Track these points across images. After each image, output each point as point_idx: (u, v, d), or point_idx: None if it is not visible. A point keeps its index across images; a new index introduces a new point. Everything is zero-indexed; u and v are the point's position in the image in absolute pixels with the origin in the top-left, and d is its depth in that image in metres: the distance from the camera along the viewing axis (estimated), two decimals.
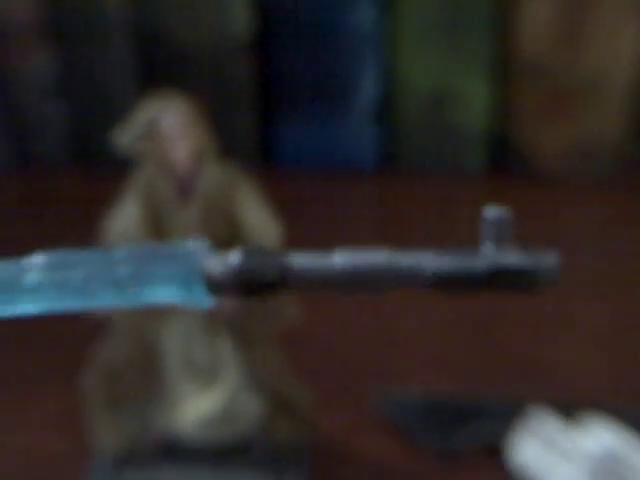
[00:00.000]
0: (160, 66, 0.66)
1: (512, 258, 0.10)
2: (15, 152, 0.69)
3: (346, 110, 0.68)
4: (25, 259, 0.11)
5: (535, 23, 0.64)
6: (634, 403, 0.47)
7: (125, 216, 0.40)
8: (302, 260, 0.11)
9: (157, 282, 0.11)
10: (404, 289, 0.11)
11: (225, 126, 0.65)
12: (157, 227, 0.40)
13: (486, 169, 0.69)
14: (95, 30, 0.65)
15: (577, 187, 0.67)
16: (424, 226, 0.64)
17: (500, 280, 0.11)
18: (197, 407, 0.41)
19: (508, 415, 0.46)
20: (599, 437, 0.43)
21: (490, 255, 0.10)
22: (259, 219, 0.40)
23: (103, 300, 0.11)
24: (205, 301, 0.11)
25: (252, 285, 0.11)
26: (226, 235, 0.40)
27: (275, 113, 0.69)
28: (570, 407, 0.46)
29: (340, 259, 0.11)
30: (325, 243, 0.62)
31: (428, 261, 0.11)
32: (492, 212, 0.10)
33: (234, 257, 0.10)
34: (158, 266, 0.11)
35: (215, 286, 0.11)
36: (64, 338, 0.52)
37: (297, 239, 0.44)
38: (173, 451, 0.43)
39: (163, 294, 0.11)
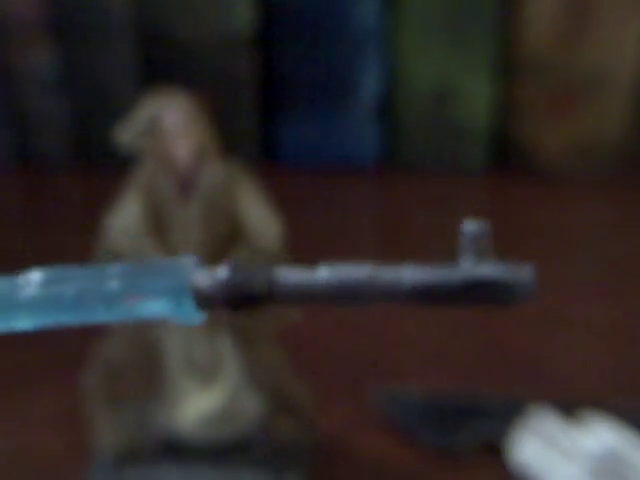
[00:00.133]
0: (162, 63, 0.66)
1: (488, 271, 0.11)
2: (16, 149, 0.69)
3: (348, 107, 0.68)
4: (21, 275, 0.11)
5: (538, 20, 0.64)
6: (635, 402, 0.47)
7: (126, 213, 0.40)
8: (288, 274, 0.11)
9: (147, 297, 0.12)
10: (386, 303, 0.12)
11: (227, 123, 0.65)
12: (158, 224, 0.40)
13: (488, 167, 0.69)
14: (97, 27, 0.65)
15: (580, 185, 0.67)
16: (425, 224, 0.64)
17: (476, 293, 0.11)
18: (197, 406, 0.41)
19: (508, 414, 0.46)
20: (600, 436, 0.43)
21: (468, 268, 0.11)
22: (260, 217, 0.40)
23: (96, 315, 0.12)
24: (194, 315, 0.12)
25: (240, 299, 0.11)
26: (227, 232, 0.40)
27: (277, 110, 0.69)
28: (571, 406, 0.46)
29: (324, 274, 0.11)
30: (326, 240, 0.62)
31: (408, 275, 0.11)
32: (470, 226, 0.11)
33: (222, 272, 0.11)
34: (148, 281, 0.11)
35: (204, 300, 0.11)
36: (64, 336, 0.52)
37: (298, 236, 0.44)
38: (173, 449, 0.43)
39: (153, 309, 0.12)
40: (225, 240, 0.40)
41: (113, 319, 0.12)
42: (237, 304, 0.11)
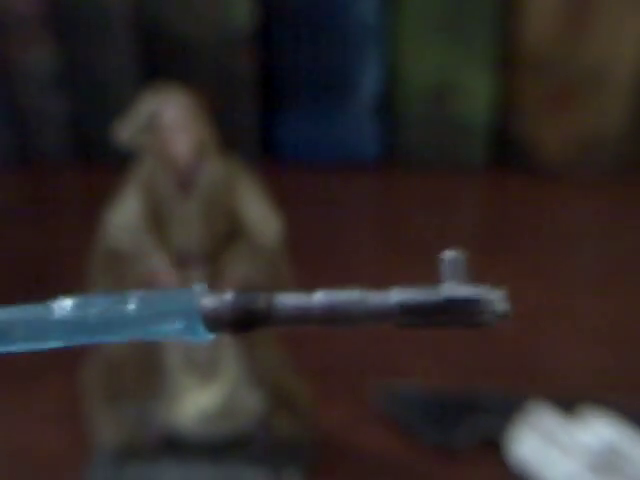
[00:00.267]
0: (161, 59, 0.66)
1: (467, 291, 0.13)
2: (15, 146, 0.69)
3: (347, 104, 0.68)
4: (55, 301, 0.14)
5: (538, 17, 0.64)
6: (633, 398, 0.47)
7: (125, 210, 0.40)
8: (286, 299, 0.13)
9: (161, 320, 0.13)
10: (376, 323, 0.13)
11: (226, 120, 0.65)
12: (158, 221, 0.40)
13: (487, 163, 0.69)
14: (96, 24, 0.65)
15: (579, 181, 0.67)
16: (425, 220, 0.64)
17: (456, 311, 0.13)
18: (197, 402, 0.42)
19: (507, 410, 0.46)
20: (598, 431, 0.43)
21: (449, 289, 0.13)
22: (260, 213, 0.40)
23: (116, 336, 0.13)
24: (204, 336, 0.13)
25: (242, 322, 0.13)
26: (227, 229, 0.40)
27: (276, 107, 0.69)
28: (569, 402, 0.46)
29: (319, 298, 0.13)
30: (326, 237, 0.62)
31: (394, 295, 0.13)
32: (449, 254, 0.13)
33: (227, 297, 0.13)
34: (162, 306, 0.13)
35: (212, 323, 0.13)
36: None
37: (298, 233, 0.44)
38: (173, 446, 0.43)
39: (167, 331, 0.13)
40: (225, 237, 0.40)
41: (130, 339, 0.13)
42: (240, 326, 0.13)
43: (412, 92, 0.67)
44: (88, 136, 0.69)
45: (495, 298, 0.13)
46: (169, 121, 0.38)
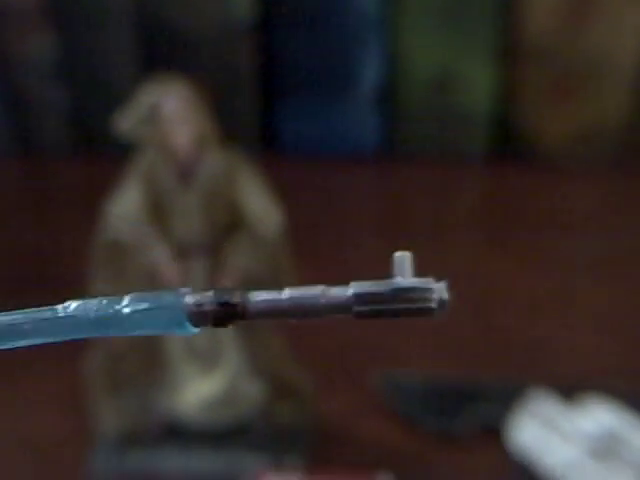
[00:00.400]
0: (161, 50, 0.66)
1: (412, 282, 0.15)
2: (15, 136, 0.70)
3: (348, 95, 0.68)
4: (62, 305, 0.16)
5: (540, 6, 0.64)
6: (633, 384, 0.47)
7: (126, 201, 0.40)
8: (258, 296, 0.15)
9: (150, 317, 0.15)
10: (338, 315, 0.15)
11: (226, 111, 0.65)
12: (158, 212, 0.40)
13: (489, 153, 0.69)
14: (96, 14, 0.65)
15: (581, 171, 0.67)
16: (426, 211, 0.64)
17: (402, 299, 0.15)
18: (198, 390, 0.42)
19: (507, 397, 0.46)
20: (598, 418, 0.43)
21: (396, 282, 0.15)
22: (260, 205, 0.40)
23: (111, 332, 0.16)
24: (189, 331, 0.16)
25: (222, 317, 0.15)
26: (227, 221, 0.40)
27: (277, 99, 0.69)
28: (569, 388, 0.46)
29: (286, 294, 0.15)
30: (326, 229, 0.62)
31: (350, 288, 0.15)
32: (398, 254, 0.16)
33: (208, 295, 0.15)
34: (150, 305, 0.15)
35: (195, 318, 0.15)
36: None
37: (298, 225, 0.44)
38: (175, 433, 0.43)
39: (155, 327, 0.16)
40: (225, 228, 0.40)
41: (124, 335, 0.16)
42: (220, 321, 0.15)
43: (413, 83, 0.67)
44: (88, 127, 0.69)
45: (438, 287, 0.15)
46: (170, 113, 0.38)
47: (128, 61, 0.66)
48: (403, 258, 0.15)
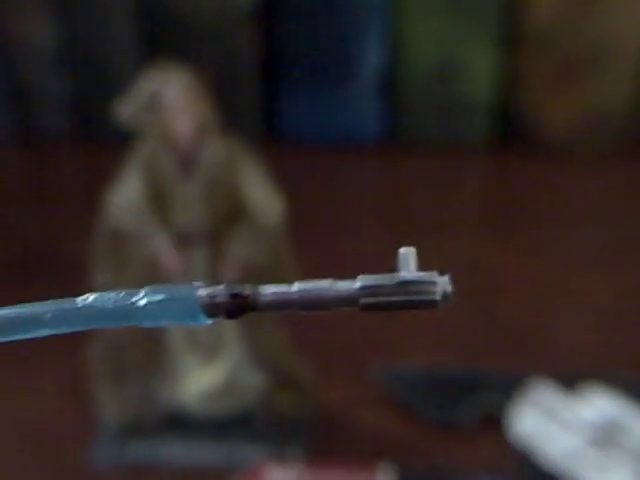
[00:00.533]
0: (163, 38, 0.66)
1: (416, 275, 0.16)
2: (16, 124, 0.69)
3: (350, 83, 0.68)
4: (81, 296, 0.16)
5: None
6: (634, 373, 0.47)
7: (127, 190, 0.40)
8: (268, 289, 0.16)
9: (165, 309, 0.16)
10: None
11: (228, 99, 0.65)
12: (159, 201, 0.40)
13: (492, 141, 0.68)
14: (97, 0, 0.65)
15: (583, 159, 0.67)
16: (428, 200, 0.64)
17: (407, 292, 0.16)
18: (200, 381, 0.42)
19: (508, 386, 0.46)
20: (598, 406, 0.43)
21: (401, 275, 0.16)
22: (261, 193, 0.40)
23: (125, 323, 0.16)
24: (203, 322, 0.16)
25: (233, 309, 0.16)
26: (228, 209, 0.40)
27: (278, 86, 0.68)
28: (570, 378, 0.46)
29: (295, 287, 0.16)
30: (328, 217, 0.62)
31: (357, 282, 0.16)
32: (403, 250, 0.16)
33: (220, 288, 0.16)
34: (166, 297, 0.16)
35: (209, 310, 0.16)
36: None
37: (300, 213, 0.44)
38: (176, 424, 0.43)
39: (172, 319, 0.16)
40: (226, 217, 0.40)
41: (140, 325, 0.16)
42: (232, 312, 0.16)
43: (415, 71, 0.67)
44: (89, 114, 0.68)
45: (441, 281, 0.16)
46: (171, 101, 0.38)
47: (129, 48, 0.66)
48: (407, 254, 0.16)
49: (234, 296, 0.16)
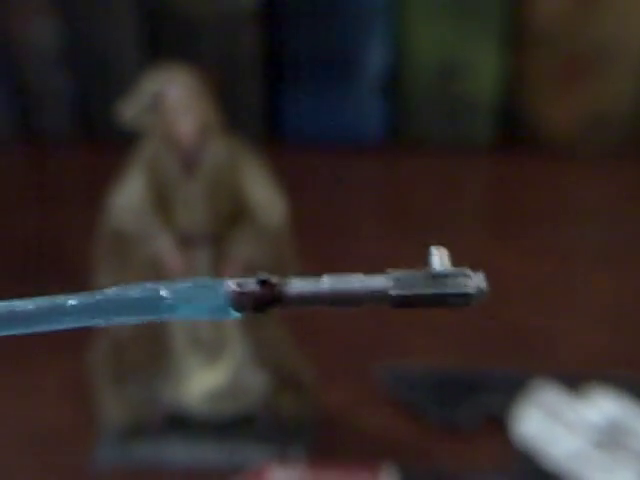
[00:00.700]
0: (165, 38, 0.66)
1: (451, 270, 0.15)
2: (18, 124, 0.69)
3: (353, 82, 0.68)
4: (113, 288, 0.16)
5: None
6: (638, 374, 0.47)
7: (129, 190, 0.40)
8: (297, 284, 0.15)
9: (190, 302, 0.16)
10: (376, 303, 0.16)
11: (230, 99, 0.65)
12: (162, 201, 0.40)
13: (496, 141, 0.68)
14: (100, 1, 0.65)
15: (588, 159, 0.67)
16: (432, 200, 0.64)
17: (441, 287, 0.15)
18: (202, 381, 0.42)
19: (511, 387, 0.46)
20: (603, 408, 0.43)
21: (435, 270, 0.15)
22: (264, 194, 0.40)
23: (148, 318, 0.16)
24: (232, 316, 0.16)
25: (261, 304, 0.15)
26: (231, 210, 0.40)
27: (281, 86, 0.68)
28: (574, 378, 0.46)
29: (325, 282, 0.15)
30: (330, 218, 0.62)
31: (389, 277, 0.15)
32: (435, 248, 0.16)
33: (249, 282, 0.16)
34: (193, 292, 0.16)
35: (237, 304, 0.16)
36: None
37: (302, 214, 0.44)
38: (179, 425, 0.43)
39: (196, 312, 0.16)
40: (229, 218, 0.40)
41: (165, 319, 0.16)
42: (259, 307, 0.15)
43: (418, 71, 0.67)
44: (91, 114, 0.68)
45: (476, 276, 0.15)
46: (173, 101, 0.38)
47: (131, 48, 0.66)
48: (440, 251, 0.16)
49: (262, 283, 0.15)
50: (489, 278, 0.15)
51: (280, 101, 0.69)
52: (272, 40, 0.67)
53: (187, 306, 0.15)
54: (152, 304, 0.16)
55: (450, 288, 0.15)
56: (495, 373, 0.47)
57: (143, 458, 0.43)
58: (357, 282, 0.15)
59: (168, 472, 0.43)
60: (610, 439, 0.42)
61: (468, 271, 0.15)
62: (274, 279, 0.15)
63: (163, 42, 0.66)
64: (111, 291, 0.16)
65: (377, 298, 0.15)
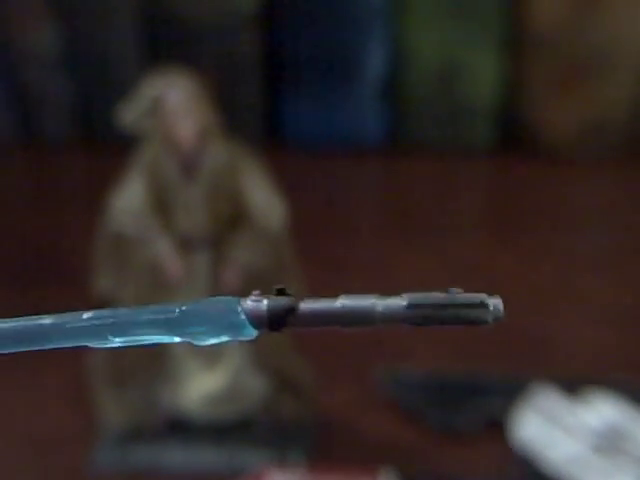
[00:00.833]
0: (165, 42, 0.66)
1: (469, 296, 0.15)
2: (19, 127, 0.69)
3: (353, 86, 0.68)
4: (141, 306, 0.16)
5: None
6: (637, 379, 0.47)
7: (129, 194, 0.40)
8: (311, 304, 0.16)
9: (210, 326, 0.15)
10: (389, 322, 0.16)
11: (230, 103, 0.65)
12: (162, 205, 0.40)
13: (495, 145, 0.68)
14: (99, 4, 0.65)
15: (587, 162, 0.67)
16: (430, 203, 0.64)
17: (458, 310, 0.15)
18: (202, 385, 0.42)
19: (511, 391, 0.46)
20: (601, 411, 0.43)
21: (453, 293, 0.15)
22: (263, 197, 0.40)
23: (167, 333, 0.16)
24: (250, 334, 0.16)
25: (276, 323, 0.15)
26: (231, 213, 0.40)
27: (281, 89, 0.68)
28: (573, 383, 0.46)
29: (339, 303, 0.15)
30: (330, 220, 0.62)
31: (404, 298, 0.15)
32: (453, 289, 0.16)
33: (264, 302, 0.15)
34: (210, 315, 0.15)
35: (254, 323, 0.15)
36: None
37: (302, 217, 0.44)
38: (178, 428, 0.43)
39: (217, 337, 0.16)
40: (228, 221, 0.40)
41: (181, 337, 0.16)
42: (274, 326, 0.15)
43: (418, 75, 0.67)
44: (91, 118, 0.69)
45: (494, 302, 0.15)
46: (173, 105, 0.38)
47: (131, 52, 0.66)
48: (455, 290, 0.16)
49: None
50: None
51: (280, 105, 0.69)
52: (272, 44, 0.67)
53: (202, 326, 0.15)
54: (167, 322, 0.15)
55: (466, 315, 0.15)
56: (494, 377, 0.47)
57: (142, 461, 0.43)
58: (372, 304, 0.15)
59: (167, 476, 0.43)
60: (609, 443, 0.42)
61: (486, 297, 0.15)
62: (290, 304, 0.15)
63: (163, 46, 0.66)
64: (122, 310, 0.16)
65: (392, 320, 0.15)
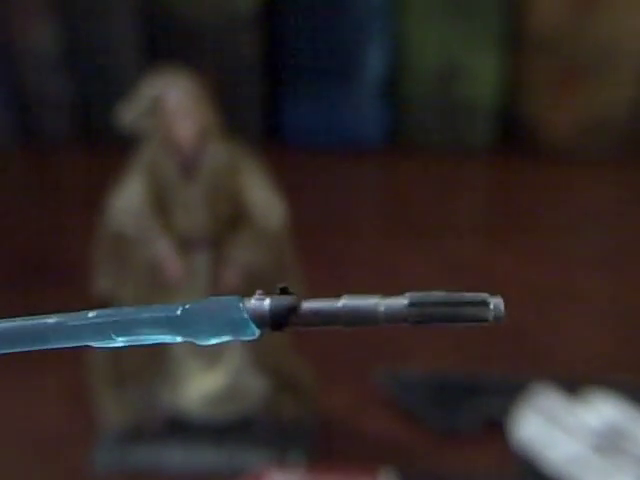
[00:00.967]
0: (165, 42, 0.66)
1: (471, 294, 0.15)
2: (18, 127, 0.69)
3: (353, 86, 0.68)
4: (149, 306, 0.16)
5: None
6: (637, 379, 0.47)
7: (129, 193, 0.40)
8: (314, 304, 0.16)
9: (215, 328, 0.15)
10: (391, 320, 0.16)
11: (230, 103, 0.65)
12: (161, 204, 0.40)
13: (494, 145, 0.68)
14: (99, 4, 0.65)
15: (587, 162, 0.67)
16: (430, 202, 0.64)
17: (460, 308, 0.15)
18: (202, 385, 0.42)
19: (511, 391, 0.46)
20: (601, 411, 0.43)
21: (455, 292, 0.15)
22: (263, 197, 0.40)
23: (171, 333, 0.16)
24: (253, 334, 0.16)
25: (279, 323, 0.15)
26: (230, 213, 0.40)
27: (280, 89, 0.68)
28: (573, 383, 0.46)
29: (341, 303, 0.15)
30: (330, 220, 0.62)
31: (406, 297, 0.15)
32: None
33: (267, 301, 0.15)
34: (215, 316, 0.15)
35: (256, 322, 0.15)
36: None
37: (302, 216, 0.44)
38: (178, 428, 0.43)
39: (221, 337, 0.16)
40: (228, 221, 0.40)
41: (185, 337, 0.16)
42: (277, 326, 0.15)
43: (418, 75, 0.67)
44: (91, 118, 0.69)
45: (495, 302, 0.15)
46: (173, 106, 0.38)
47: (131, 52, 0.66)
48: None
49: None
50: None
51: (280, 105, 0.69)
52: (272, 44, 0.67)
53: (205, 325, 0.15)
54: (170, 322, 0.15)
55: (468, 314, 0.15)
56: (494, 377, 0.47)
57: (142, 461, 0.43)
58: (374, 304, 0.15)
59: (167, 476, 0.43)
60: (609, 443, 0.42)
61: (486, 296, 0.15)
62: (292, 303, 0.15)
63: (162, 46, 0.66)
64: (125, 310, 0.15)
65: (394, 320, 0.15)
